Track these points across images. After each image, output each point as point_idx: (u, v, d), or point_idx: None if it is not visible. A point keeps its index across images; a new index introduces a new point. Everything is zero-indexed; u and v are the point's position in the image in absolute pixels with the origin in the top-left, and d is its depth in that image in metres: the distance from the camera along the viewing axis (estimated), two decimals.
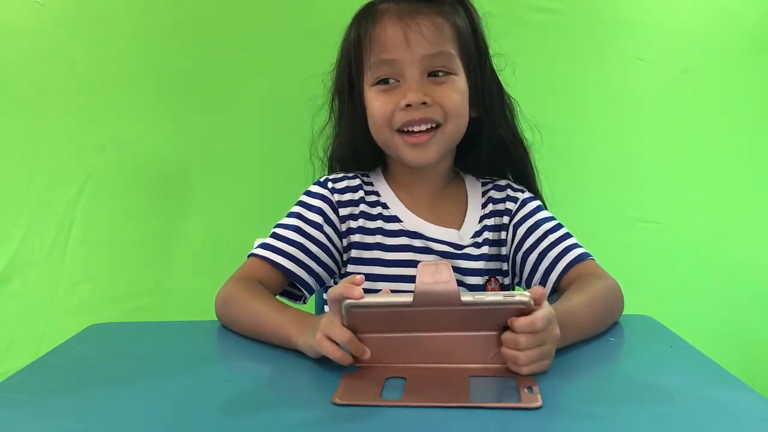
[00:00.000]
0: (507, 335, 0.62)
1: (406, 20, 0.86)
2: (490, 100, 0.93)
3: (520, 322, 0.61)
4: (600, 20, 1.55)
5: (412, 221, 0.93)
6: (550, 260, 0.88)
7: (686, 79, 1.56)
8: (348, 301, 0.61)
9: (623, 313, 0.83)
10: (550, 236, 0.90)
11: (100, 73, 1.48)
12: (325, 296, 1.04)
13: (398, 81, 0.88)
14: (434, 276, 0.60)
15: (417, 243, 0.91)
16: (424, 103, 0.86)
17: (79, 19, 1.47)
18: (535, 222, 0.92)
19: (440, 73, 0.88)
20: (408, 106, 0.86)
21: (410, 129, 0.87)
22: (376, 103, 0.88)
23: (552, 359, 0.64)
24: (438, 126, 0.88)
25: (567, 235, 0.91)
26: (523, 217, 0.93)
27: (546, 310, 0.62)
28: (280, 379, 0.67)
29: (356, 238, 0.91)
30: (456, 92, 0.88)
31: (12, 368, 0.69)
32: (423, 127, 0.87)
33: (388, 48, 0.86)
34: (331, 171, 0.99)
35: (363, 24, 0.89)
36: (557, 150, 1.52)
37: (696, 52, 1.55)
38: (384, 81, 0.88)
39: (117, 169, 1.50)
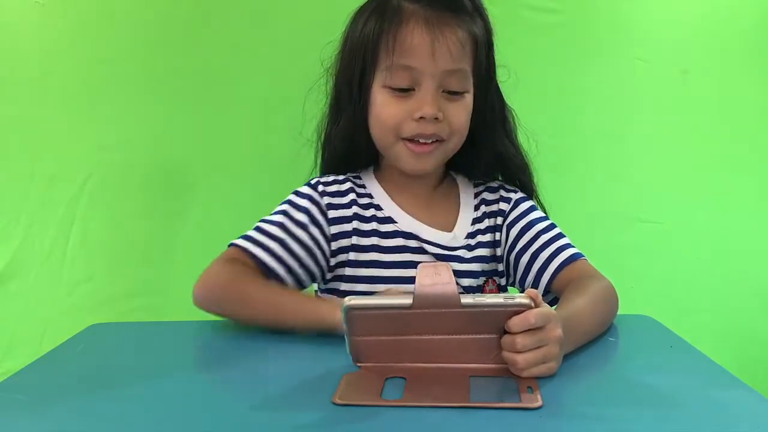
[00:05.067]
0: (505, 338, 0.62)
1: (434, 30, 0.84)
2: (492, 116, 0.93)
3: (514, 320, 0.61)
4: (600, 20, 1.55)
5: (406, 222, 0.92)
6: (543, 261, 0.88)
7: (686, 79, 1.55)
8: (347, 303, 0.61)
9: (620, 312, 0.83)
10: (542, 236, 0.90)
11: (100, 73, 1.48)
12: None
13: (413, 89, 0.87)
14: (434, 278, 0.60)
15: (412, 244, 0.91)
16: (436, 118, 0.86)
17: (79, 19, 1.47)
18: (528, 222, 0.92)
19: (455, 91, 0.88)
20: (422, 118, 0.86)
21: (417, 139, 0.88)
22: (387, 109, 0.88)
23: (558, 362, 0.63)
24: (441, 141, 0.89)
25: (560, 236, 0.91)
26: (516, 217, 0.93)
27: (543, 308, 0.62)
28: (280, 379, 0.67)
29: (353, 240, 0.91)
30: (465, 111, 0.89)
31: (12, 368, 0.69)
32: (429, 140, 0.88)
33: (412, 54, 0.85)
34: (324, 157, 0.99)
35: (386, 21, 0.87)
36: (557, 150, 1.52)
37: (696, 52, 1.55)
38: (400, 88, 0.87)
39: (117, 169, 1.50)
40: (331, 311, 0.72)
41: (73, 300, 1.51)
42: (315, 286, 0.97)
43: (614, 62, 1.55)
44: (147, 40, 1.48)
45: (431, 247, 0.91)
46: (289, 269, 0.88)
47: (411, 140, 0.88)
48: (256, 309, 0.79)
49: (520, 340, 0.61)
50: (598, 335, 0.76)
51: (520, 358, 0.61)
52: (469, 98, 0.89)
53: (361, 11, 0.92)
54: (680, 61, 1.55)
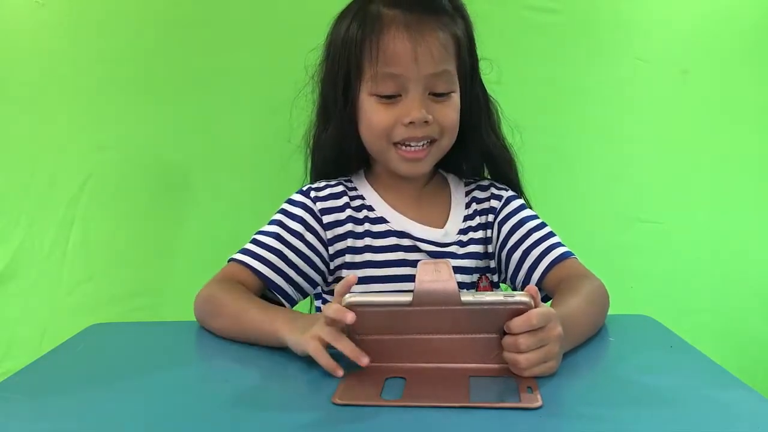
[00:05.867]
0: (507, 339, 0.62)
1: (415, 36, 0.85)
2: (477, 110, 0.94)
3: (516, 322, 0.61)
4: (600, 20, 1.55)
5: (398, 221, 0.93)
6: (533, 259, 0.89)
7: (686, 79, 1.56)
8: (347, 301, 0.61)
9: (620, 312, 0.83)
10: (533, 234, 0.91)
11: (100, 73, 1.48)
12: (317, 303, 1.04)
13: (400, 95, 0.87)
14: (434, 274, 0.60)
15: (405, 242, 0.91)
16: (426, 121, 0.86)
17: (79, 19, 1.47)
18: (519, 220, 0.93)
19: (442, 93, 0.88)
20: (411, 123, 0.86)
21: (408, 144, 0.88)
22: (377, 116, 0.88)
23: (558, 360, 0.64)
24: (434, 141, 0.89)
25: (550, 234, 0.91)
26: (508, 214, 0.94)
27: (543, 307, 0.62)
28: (280, 379, 0.67)
29: (348, 243, 0.91)
30: (454, 110, 0.89)
31: (12, 368, 0.69)
32: (421, 143, 0.88)
33: (396, 62, 0.85)
34: (313, 164, 0.99)
35: (368, 28, 0.87)
36: (557, 150, 1.53)
37: (696, 52, 1.55)
38: (387, 95, 0.87)
39: (117, 169, 1.50)
40: (287, 328, 0.70)
41: (73, 300, 1.51)
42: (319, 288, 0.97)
43: (614, 62, 1.55)
44: (146, 40, 1.49)
45: (424, 244, 0.91)
46: (289, 279, 0.89)
47: (403, 145, 0.89)
48: (225, 323, 0.80)
49: (523, 341, 0.61)
50: (592, 335, 0.76)
51: (522, 358, 0.61)
52: (456, 97, 0.90)
53: (342, 16, 0.92)
54: (680, 61, 1.55)
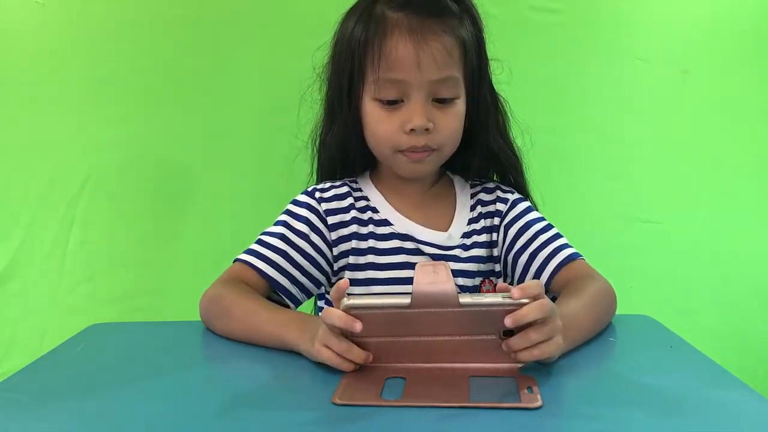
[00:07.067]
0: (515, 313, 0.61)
1: (419, 41, 0.83)
2: (485, 112, 0.93)
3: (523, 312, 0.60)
4: (600, 20, 1.55)
5: (402, 224, 0.93)
6: (541, 261, 0.89)
7: (686, 79, 1.55)
8: (346, 303, 0.61)
9: (620, 312, 0.83)
10: (540, 237, 0.90)
11: (101, 72, 1.48)
12: (320, 303, 1.04)
13: (402, 100, 0.86)
14: (432, 276, 0.60)
15: (408, 245, 0.91)
16: (426, 129, 0.86)
17: (79, 19, 1.47)
18: (526, 223, 0.92)
19: (445, 100, 0.87)
20: (412, 130, 0.85)
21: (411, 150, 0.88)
22: (380, 125, 0.88)
23: (561, 336, 0.64)
24: (434, 150, 0.89)
25: (557, 236, 0.91)
26: (514, 218, 0.93)
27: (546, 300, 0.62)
28: (280, 379, 0.67)
29: (353, 244, 0.91)
30: (456, 118, 0.89)
31: (12, 368, 0.69)
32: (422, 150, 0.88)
33: (398, 68, 0.84)
34: (320, 163, 0.99)
35: (371, 30, 0.86)
36: (557, 150, 1.52)
37: (696, 52, 1.55)
38: (389, 101, 0.87)
39: (117, 169, 1.50)
40: (299, 336, 0.71)
41: (73, 300, 1.51)
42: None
43: (614, 62, 1.55)
44: (147, 40, 1.48)
45: (427, 247, 0.91)
46: (294, 280, 0.89)
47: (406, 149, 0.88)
48: (231, 324, 0.80)
49: (526, 310, 0.60)
50: (595, 335, 0.76)
51: (534, 332, 0.61)
52: (460, 104, 0.89)
53: (349, 15, 0.91)
54: (680, 61, 1.55)
